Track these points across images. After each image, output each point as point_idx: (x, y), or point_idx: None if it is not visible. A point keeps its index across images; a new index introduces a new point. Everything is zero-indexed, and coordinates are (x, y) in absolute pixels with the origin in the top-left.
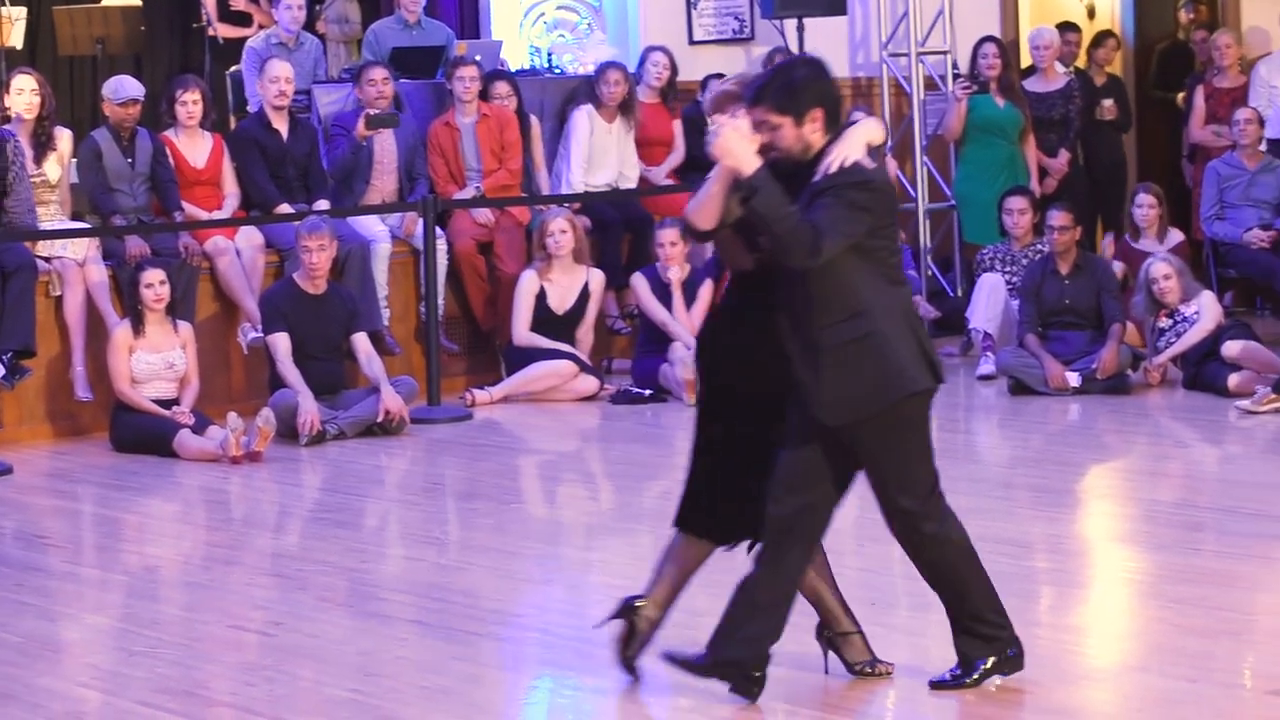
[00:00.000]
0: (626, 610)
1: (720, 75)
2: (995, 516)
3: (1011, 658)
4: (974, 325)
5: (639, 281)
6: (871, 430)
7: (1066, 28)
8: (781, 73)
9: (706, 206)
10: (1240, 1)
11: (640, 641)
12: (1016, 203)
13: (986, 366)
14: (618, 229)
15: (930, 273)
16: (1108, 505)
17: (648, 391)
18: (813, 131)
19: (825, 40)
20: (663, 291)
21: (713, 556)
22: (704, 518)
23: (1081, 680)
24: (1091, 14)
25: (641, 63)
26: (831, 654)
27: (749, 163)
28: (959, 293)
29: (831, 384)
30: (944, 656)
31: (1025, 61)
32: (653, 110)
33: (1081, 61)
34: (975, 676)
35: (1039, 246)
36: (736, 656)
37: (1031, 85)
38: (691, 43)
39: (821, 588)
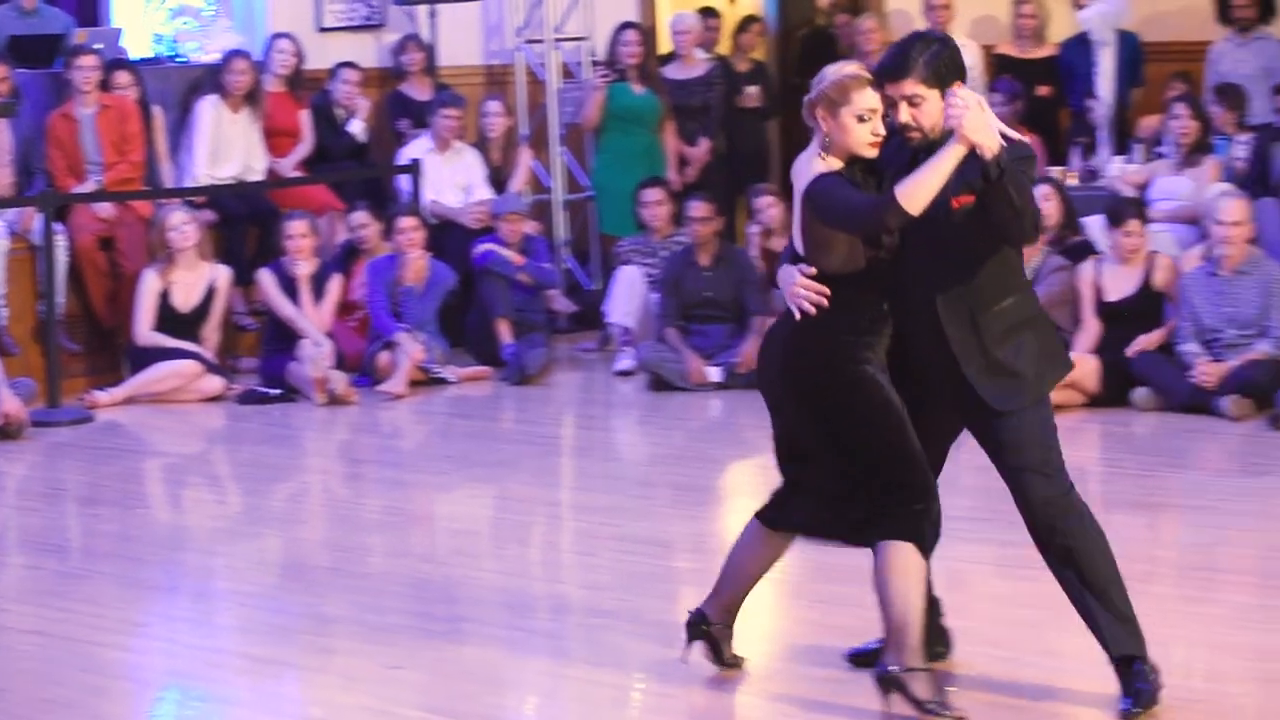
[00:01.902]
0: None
1: (350, 64)
2: (635, 516)
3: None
4: (612, 319)
5: (265, 277)
6: (1027, 412)
7: (707, 13)
8: (920, 45)
9: (930, 190)
10: None
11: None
12: (652, 194)
13: (625, 362)
14: (244, 223)
15: (566, 265)
16: (750, 502)
17: (275, 391)
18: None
19: (458, 27)
20: (290, 287)
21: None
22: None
23: (726, 684)
24: None
25: (267, 50)
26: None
27: (996, 140)
28: (597, 286)
29: (1001, 369)
30: (585, 657)
31: (665, 47)
32: (280, 100)
33: (724, 48)
34: None
35: (679, 238)
36: (1129, 652)
37: (671, 72)
38: (320, 30)
39: (752, 580)
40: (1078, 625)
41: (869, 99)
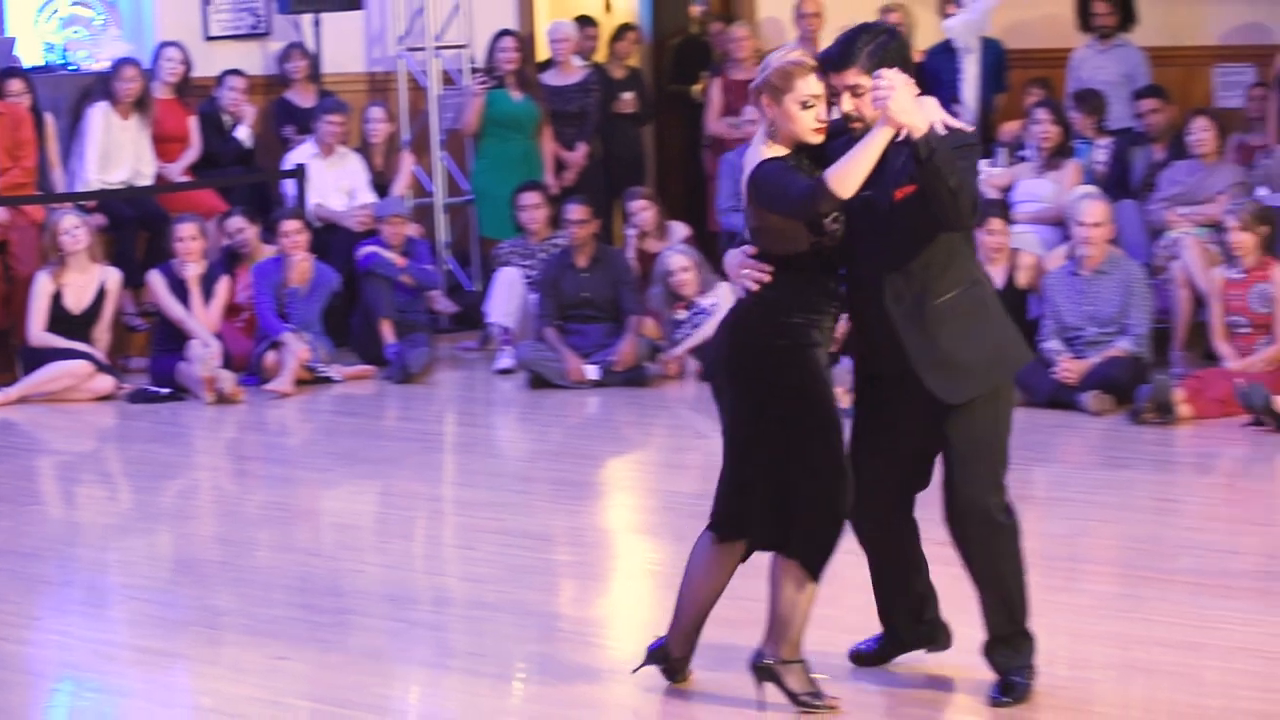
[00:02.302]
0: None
1: (237, 71)
2: (515, 510)
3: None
4: (492, 319)
5: (155, 279)
6: (982, 404)
7: (585, 21)
8: (866, 36)
9: (860, 172)
10: None
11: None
12: (529, 198)
13: (505, 360)
14: (134, 226)
15: (448, 267)
16: (628, 497)
17: (165, 390)
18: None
19: (342, 35)
20: (179, 288)
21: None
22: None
23: (604, 673)
24: (608, 7)
25: (155, 59)
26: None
27: (924, 120)
28: (477, 287)
29: (949, 361)
30: (468, 648)
31: (543, 55)
32: (168, 106)
33: (601, 55)
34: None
35: (556, 240)
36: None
37: (549, 79)
38: (207, 39)
39: (711, 599)
40: (946, 615)
41: (812, 85)
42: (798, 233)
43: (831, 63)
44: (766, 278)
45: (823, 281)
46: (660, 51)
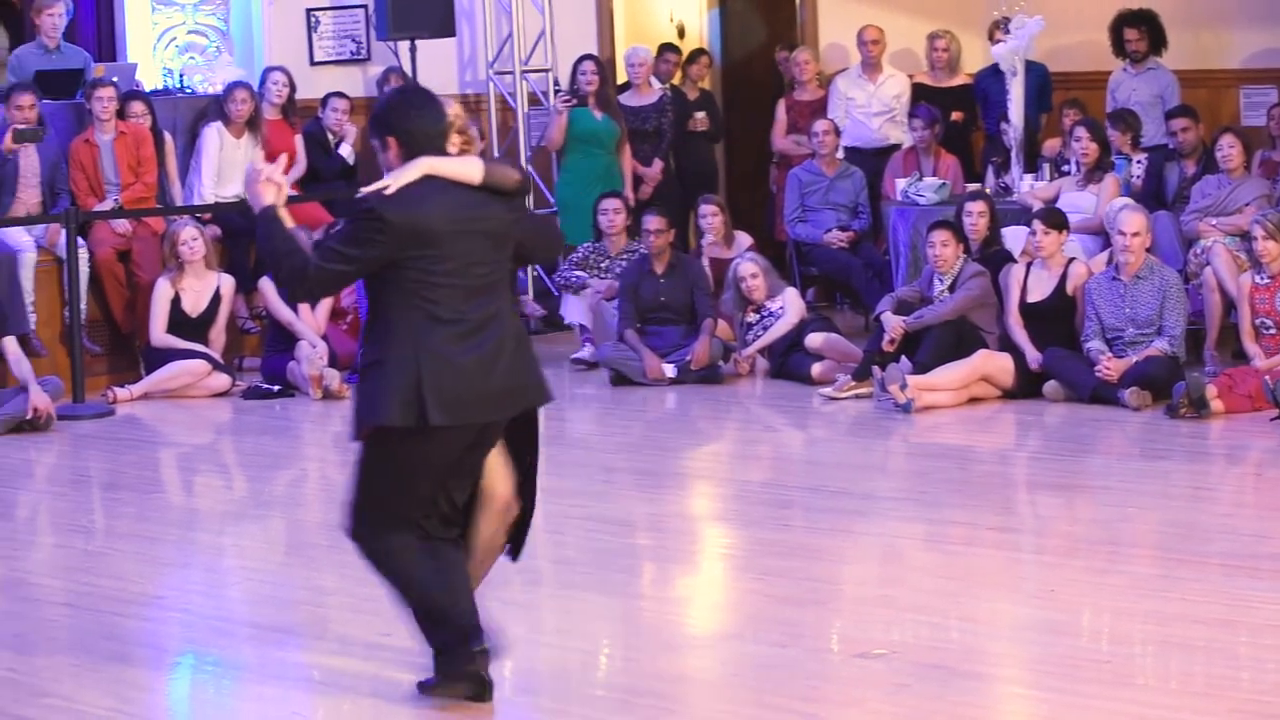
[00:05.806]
0: None
1: (339, 93)
2: (600, 498)
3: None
4: (570, 319)
5: (266, 285)
6: (363, 450)
7: (667, 48)
8: (382, 97)
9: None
10: (819, 20)
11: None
12: (610, 203)
13: (583, 352)
14: (246, 237)
15: (535, 274)
16: (704, 486)
17: (276, 387)
18: (394, 159)
19: (436, 60)
20: None
21: None
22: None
23: (682, 648)
24: (682, 33)
25: (263, 82)
26: None
27: (255, 200)
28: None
29: (354, 402)
30: (557, 626)
31: (622, 78)
32: (276, 126)
33: (676, 78)
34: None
35: (631, 250)
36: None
37: (627, 100)
38: (312, 64)
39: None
40: (994, 594)
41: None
42: None
43: None
44: None
45: None
46: (731, 73)
